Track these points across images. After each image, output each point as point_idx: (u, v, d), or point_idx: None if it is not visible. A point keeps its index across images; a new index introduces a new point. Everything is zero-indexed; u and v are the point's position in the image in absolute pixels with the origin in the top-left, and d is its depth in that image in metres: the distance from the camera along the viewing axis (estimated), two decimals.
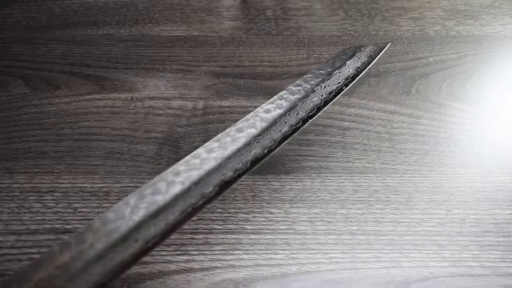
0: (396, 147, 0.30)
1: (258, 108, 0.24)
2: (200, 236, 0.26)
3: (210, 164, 0.21)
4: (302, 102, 0.25)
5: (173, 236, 0.26)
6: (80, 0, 0.40)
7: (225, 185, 0.21)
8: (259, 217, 0.27)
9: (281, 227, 0.26)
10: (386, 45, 0.31)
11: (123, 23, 0.38)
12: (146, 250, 0.18)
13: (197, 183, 0.20)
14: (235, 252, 0.25)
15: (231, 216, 0.27)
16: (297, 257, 0.25)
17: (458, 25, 0.39)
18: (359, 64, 0.28)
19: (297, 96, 0.25)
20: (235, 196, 0.28)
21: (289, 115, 0.24)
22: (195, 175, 0.20)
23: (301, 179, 0.28)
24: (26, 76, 0.34)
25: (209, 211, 0.27)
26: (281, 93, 0.25)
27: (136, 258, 0.18)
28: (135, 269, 0.25)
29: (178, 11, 0.40)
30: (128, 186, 0.28)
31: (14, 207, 0.27)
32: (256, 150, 0.22)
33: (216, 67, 0.35)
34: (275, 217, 0.27)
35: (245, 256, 0.25)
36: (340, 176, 0.29)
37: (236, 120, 0.31)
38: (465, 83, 0.34)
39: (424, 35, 0.38)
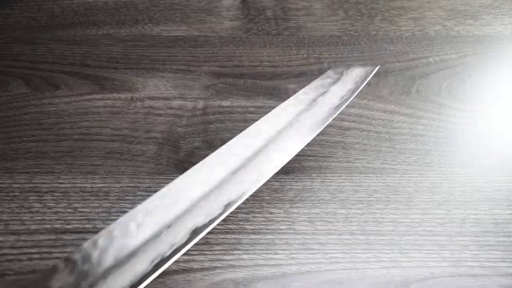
0: (396, 147, 0.30)
1: (220, 149, 0.22)
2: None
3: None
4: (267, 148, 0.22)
5: None
6: (80, 0, 0.40)
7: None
8: (259, 217, 0.27)
9: (281, 227, 0.26)
10: (375, 69, 0.28)
11: (123, 23, 0.38)
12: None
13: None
14: (235, 252, 0.25)
15: (231, 216, 0.27)
16: (297, 257, 0.25)
17: (458, 25, 0.39)
18: (343, 92, 0.26)
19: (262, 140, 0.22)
20: None
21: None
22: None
23: (301, 179, 0.28)
24: (26, 76, 0.34)
25: None
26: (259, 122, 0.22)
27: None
28: None
29: (178, 11, 0.40)
30: (128, 186, 0.28)
31: (14, 207, 0.27)
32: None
33: (216, 67, 0.35)
34: (275, 217, 0.27)
35: (245, 256, 0.25)
36: (340, 176, 0.29)
37: (236, 120, 0.32)
38: (465, 83, 0.34)
39: (424, 35, 0.38)
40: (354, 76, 0.27)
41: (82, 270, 0.18)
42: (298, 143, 0.23)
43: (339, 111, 0.25)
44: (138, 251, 0.19)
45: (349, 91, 0.26)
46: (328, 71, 0.26)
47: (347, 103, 0.26)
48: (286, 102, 0.24)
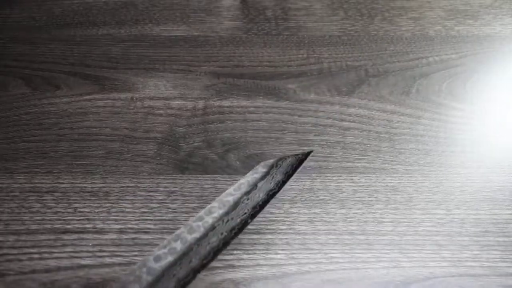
0: (396, 147, 0.30)
1: (147, 257, 0.21)
2: None
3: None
4: (198, 245, 0.21)
5: None
6: (80, 0, 0.40)
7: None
8: (259, 217, 0.27)
9: (281, 227, 0.26)
10: (307, 156, 0.26)
11: (123, 23, 0.38)
12: None
13: None
14: (235, 252, 0.25)
15: None
16: (297, 257, 0.25)
17: (458, 25, 0.39)
18: (271, 185, 0.24)
19: (195, 235, 0.22)
20: None
21: (179, 264, 0.21)
22: None
23: (301, 179, 0.28)
24: (26, 76, 0.34)
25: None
26: (178, 231, 0.22)
27: None
28: None
29: (178, 11, 0.40)
30: (128, 186, 0.28)
31: (14, 207, 0.27)
32: None
33: (216, 67, 0.35)
34: (275, 217, 0.27)
35: (245, 256, 0.25)
36: (340, 176, 0.29)
37: (236, 120, 0.32)
38: (465, 83, 0.34)
39: (424, 35, 0.38)
40: (284, 166, 0.25)
41: None
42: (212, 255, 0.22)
43: (267, 205, 0.24)
44: None
45: (277, 183, 0.25)
46: (258, 166, 0.25)
47: (275, 196, 0.25)
48: (209, 206, 0.23)
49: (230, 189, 0.24)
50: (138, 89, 0.34)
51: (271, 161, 0.25)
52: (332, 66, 0.35)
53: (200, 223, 0.22)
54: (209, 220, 0.22)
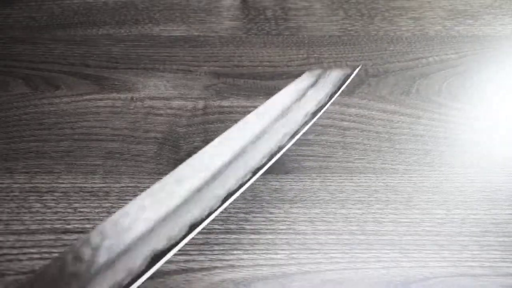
0: (396, 147, 0.30)
1: (196, 155, 0.20)
2: (200, 236, 0.26)
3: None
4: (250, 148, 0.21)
5: None
6: (80, 0, 0.40)
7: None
8: (259, 217, 0.27)
9: (281, 227, 0.26)
10: (356, 69, 0.26)
11: (123, 23, 0.38)
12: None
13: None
14: (235, 252, 0.25)
15: (231, 216, 0.27)
16: (297, 257, 0.25)
17: (458, 25, 0.39)
18: (321, 95, 0.24)
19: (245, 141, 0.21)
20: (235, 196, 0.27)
21: (233, 166, 0.20)
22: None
23: (301, 179, 0.28)
24: (26, 76, 0.34)
25: None
26: (231, 129, 0.21)
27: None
28: None
29: (178, 11, 0.40)
30: (128, 186, 0.28)
31: (14, 207, 0.27)
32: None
33: (216, 67, 0.35)
34: (275, 217, 0.27)
35: (245, 256, 0.25)
36: (340, 176, 0.29)
37: (236, 120, 0.31)
38: (465, 83, 0.34)
39: (424, 35, 0.38)
40: (332, 78, 0.25)
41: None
42: (270, 154, 0.21)
43: (317, 116, 0.24)
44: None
45: (326, 95, 0.24)
46: (305, 74, 0.24)
47: (324, 109, 0.24)
48: (261, 108, 0.23)
49: (278, 95, 0.23)
50: (138, 89, 0.34)
51: (318, 71, 0.24)
52: (332, 66, 0.35)
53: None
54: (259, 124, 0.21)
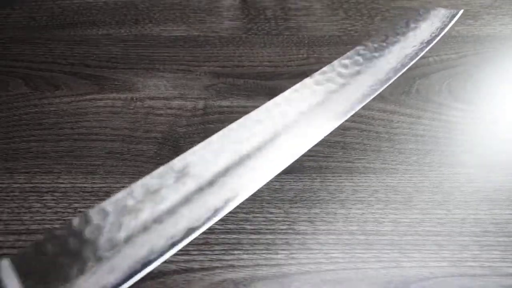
0: (396, 147, 0.30)
1: (335, 62, 0.23)
2: (200, 236, 0.26)
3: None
4: (377, 60, 0.23)
5: None
6: (80, 0, 0.40)
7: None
8: (259, 217, 0.27)
9: (281, 227, 0.26)
10: (459, 11, 0.29)
11: (123, 23, 0.38)
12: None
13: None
14: (235, 252, 0.25)
15: (231, 216, 0.27)
16: (297, 257, 0.25)
17: (458, 25, 0.39)
18: (433, 28, 0.26)
19: (374, 54, 0.23)
20: None
21: (365, 74, 0.22)
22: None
23: (301, 179, 0.28)
24: (26, 76, 0.34)
25: None
26: (358, 47, 0.23)
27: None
28: None
29: (178, 11, 0.40)
30: (128, 186, 0.28)
31: (14, 207, 0.27)
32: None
33: (216, 67, 0.35)
34: (275, 217, 0.27)
35: (245, 256, 0.25)
36: (340, 176, 0.29)
37: (236, 120, 0.31)
38: (465, 83, 0.34)
39: None
40: (440, 16, 0.28)
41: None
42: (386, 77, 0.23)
43: (427, 48, 0.26)
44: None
45: (437, 29, 0.27)
46: (410, 13, 0.27)
47: (435, 41, 0.26)
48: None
49: (393, 26, 0.26)
50: (138, 89, 0.34)
51: (425, 9, 0.27)
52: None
53: (376, 45, 0.24)
54: (383, 44, 0.24)
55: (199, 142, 0.30)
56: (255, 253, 0.25)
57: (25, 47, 0.36)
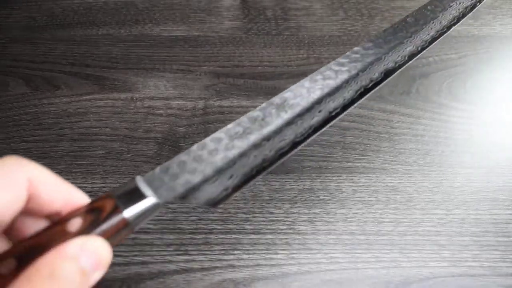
0: (396, 147, 0.30)
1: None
2: (200, 236, 0.26)
3: (370, 58, 0.23)
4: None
5: (172, 236, 0.26)
6: (80, 0, 0.40)
7: (389, 73, 0.23)
8: (259, 217, 0.27)
9: (281, 227, 0.26)
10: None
11: (123, 23, 0.38)
12: (329, 119, 0.21)
13: (363, 70, 0.22)
14: (235, 252, 0.25)
15: (231, 216, 0.27)
16: (297, 257, 0.25)
17: (458, 25, 0.39)
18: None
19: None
20: (235, 196, 0.27)
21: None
22: (359, 65, 0.23)
23: (301, 179, 0.28)
24: (26, 76, 0.34)
25: (209, 211, 0.27)
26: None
27: (321, 126, 0.21)
28: (135, 269, 0.25)
29: (178, 11, 0.40)
30: None
31: None
32: (410, 48, 0.24)
33: (216, 67, 0.35)
34: (275, 217, 0.27)
35: (245, 256, 0.25)
36: (340, 176, 0.29)
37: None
38: (465, 83, 0.34)
39: None
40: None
41: None
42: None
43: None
44: None
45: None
46: None
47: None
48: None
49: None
50: (138, 89, 0.34)
51: None
52: None
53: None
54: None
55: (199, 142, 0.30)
56: (255, 253, 0.25)
57: (25, 47, 0.36)
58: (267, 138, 0.19)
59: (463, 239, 0.26)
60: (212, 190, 0.18)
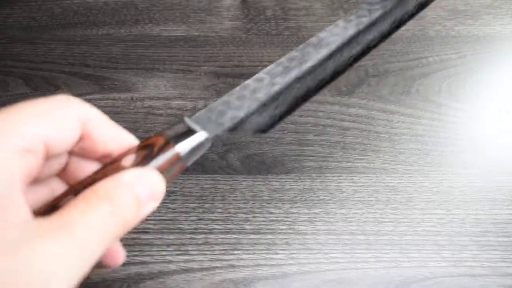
0: (396, 147, 0.30)
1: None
2: (200, 236, 0.26)
3: None
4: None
5: (172, 236, 0.26)
6: (80, 0, 0.40)
7: (423, 5, 0.24)
8: (259, 217, 0.27)
9: (281, 227, 0.26)
10: None
11: (123, 23, 0.38)
12: (364, 52, 0.22)
13: (396, 7, 0.24)
14: (235, 252, 0.25)
15: (231, 216, 0.27)
16: (297, 257, 0.25)
17: (458, 25, 0.39)
18: None
19: None
20: (235, 196, 0.28)
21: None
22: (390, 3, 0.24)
23: (301, 179, 0.28)
24: (26, 76, 0.34)
25: (209, 211, 0.27)
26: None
27: (359, 57, 0.22)
28: (135, 269, 0.25)
29: (178, 11, 0.40)
30: None
31: None
32: None
33: (216, 67, 0.35)
34: (275, 217, 0.27)
35: (245, 256, 0.25)
36: (340, 176, 0.29)
37: None
38: (465, 83, 0.34)
39: (424, 35, 0.38)
40: None
41: None
42: None
43: None
44: None
45: None
46: None
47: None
48: None
49: None
50: (138, 89, 0.34)
51: None
52: None
53: None
54: None
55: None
56: (255, 253, 0.25)
57: (25, 47, 0.36)
58: (308, 72, 0.20)
59: (463, 239, 0.26)
60: (259, 121, 0.19)
